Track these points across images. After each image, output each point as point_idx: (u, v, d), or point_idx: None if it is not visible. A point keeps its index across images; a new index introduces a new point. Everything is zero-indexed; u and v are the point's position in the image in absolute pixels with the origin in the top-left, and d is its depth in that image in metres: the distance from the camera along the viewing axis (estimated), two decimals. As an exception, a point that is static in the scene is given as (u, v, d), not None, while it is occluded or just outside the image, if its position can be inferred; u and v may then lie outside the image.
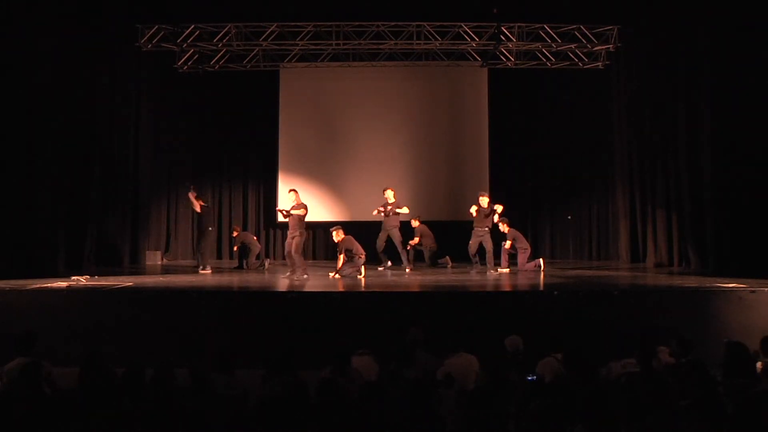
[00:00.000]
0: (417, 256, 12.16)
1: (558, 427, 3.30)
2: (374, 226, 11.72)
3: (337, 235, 10.24)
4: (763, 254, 8.93)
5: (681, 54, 10.76)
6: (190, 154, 14.26)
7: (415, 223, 12.07)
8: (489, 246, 10.76)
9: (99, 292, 8.22)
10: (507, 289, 9.24)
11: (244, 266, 11.90)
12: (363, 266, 10.21)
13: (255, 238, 12.60)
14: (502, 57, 13.21)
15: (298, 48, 13.15)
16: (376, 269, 11.31)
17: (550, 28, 12.31)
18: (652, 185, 11.75)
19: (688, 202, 10.62)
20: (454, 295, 8.52)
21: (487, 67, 13.79)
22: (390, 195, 11.34)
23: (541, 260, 11.06)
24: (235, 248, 12.36)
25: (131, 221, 12.70)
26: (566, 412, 3.38)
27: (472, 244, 10.80)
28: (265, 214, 14.40)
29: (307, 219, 10.09)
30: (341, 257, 10.20)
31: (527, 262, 11.01)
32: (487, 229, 10.75)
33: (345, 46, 13.11)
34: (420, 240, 11.99)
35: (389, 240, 11.38)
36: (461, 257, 11.53)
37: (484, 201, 10.86)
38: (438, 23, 12.44)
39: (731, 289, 7.72)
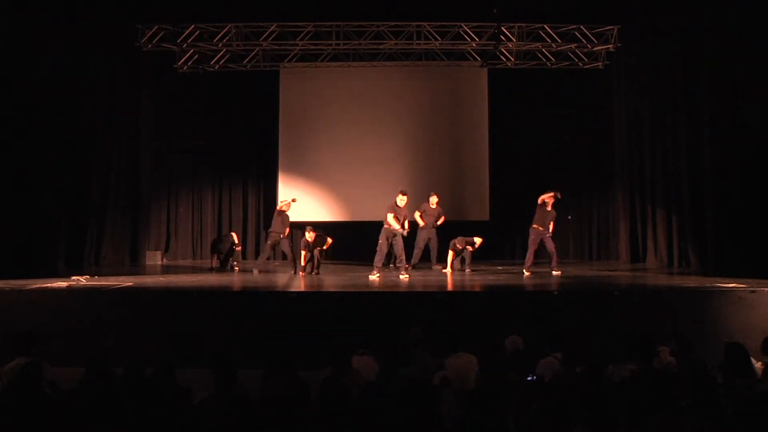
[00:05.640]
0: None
1: (558, 427, 3.31)
2: (373, 226, 11.67)
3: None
4: (763, 254, 8.92)
5: (681, 54, 10.77)
6: (190, 153, 14.24)
7: None
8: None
9: (99, 292, 8.22)
10: (507, 289, 9.23)
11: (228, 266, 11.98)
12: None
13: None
14: (502, 57, 13.20)
15: (298, 48, 13.14)
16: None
17: (550, 28, 12.30)
18: (652, 185, 11.74)
19: (688, 202, 10.62)
20: (454, 295, 8.52)
21: (487, 67, 13.76)
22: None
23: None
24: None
25: (131, 221, 12.72)
26: (566, 412, 3.39)
27: None
28: (264, 214, 14.37)
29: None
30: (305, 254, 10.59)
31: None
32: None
33: (345, 46, 13.10)
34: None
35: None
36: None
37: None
38: (438, 23, 12.42)
39: (731, 289, 7.71)
